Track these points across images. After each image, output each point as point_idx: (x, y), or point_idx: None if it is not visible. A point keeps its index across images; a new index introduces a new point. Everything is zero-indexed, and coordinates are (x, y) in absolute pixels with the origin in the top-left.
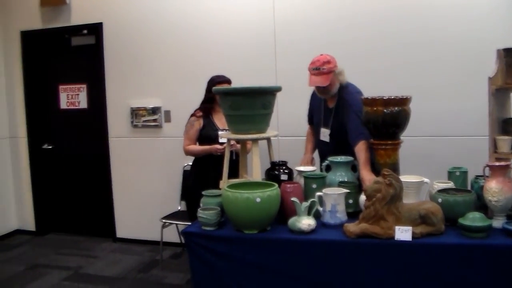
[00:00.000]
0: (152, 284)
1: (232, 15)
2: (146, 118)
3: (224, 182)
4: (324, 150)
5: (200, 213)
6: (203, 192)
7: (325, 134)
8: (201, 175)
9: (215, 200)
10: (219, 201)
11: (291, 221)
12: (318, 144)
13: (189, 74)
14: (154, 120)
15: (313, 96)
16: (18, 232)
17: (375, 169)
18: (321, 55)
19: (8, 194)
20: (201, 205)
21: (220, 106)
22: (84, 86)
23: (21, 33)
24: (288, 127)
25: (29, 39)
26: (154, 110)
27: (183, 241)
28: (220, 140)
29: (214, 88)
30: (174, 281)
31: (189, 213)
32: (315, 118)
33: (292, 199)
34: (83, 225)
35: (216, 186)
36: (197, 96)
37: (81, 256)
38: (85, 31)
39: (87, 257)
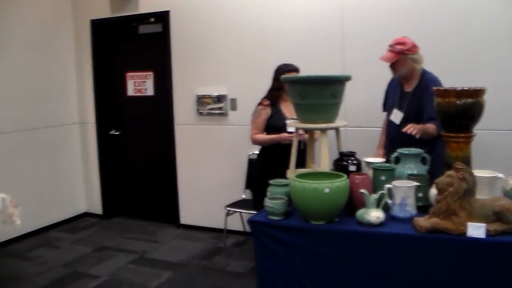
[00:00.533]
0: (215, 271)
1: (300, 1)
2: (212, 106)
3: (292, 172)
4: (392, 133)
5: (267, 202)
6: (270, 182)
7: (397, 116)
8: (268, 164)
9: (282, 190)
10: (286, 190)
11: (360, 213)
12: (387, 127)
13: (255, 62)
14: (220, 108)
15: (391, 81)
16: (86, 215)
17: (445, 163)
18: (403, 37)
19: (77, 178)
20: (268, 194)
21: (289, 94)
22: (151, 73)
23: (91, 22)
24: (356, 118)
25: (98, 27)
26: (220, 98)
27: (246, 230)
28: (288, 130)
29: (283, 76)
30: (237, 269)
31: (255, 202)
32: (388, 102)
33: (361, 190)
34: (147, 210)
35: (283, 176)
36: (263, 85)
37: (145, 240)
38: (152, 19)
39: (151, 242)
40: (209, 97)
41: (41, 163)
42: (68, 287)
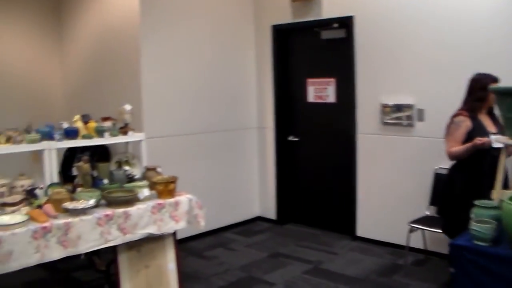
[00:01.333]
0: None
1: (495, 2)
2: (397, 115)
3: (498, 193)
4: None
5: (474, 225)
6: (476, 202)
7: None
8: (467, 182)
9: (489, 212)
10: (494, 213)
11: None
12: None
13: (445, 71)
14: (407, 118)
15: None
16: (259, 219)
17: None
18: None
19: (253, 182)
20: (472, 216)
21: (498, 107)
22: (333, 80)
23: (272, 27)
24: None
25: (279, 32)
26: (406, 108)
27: (428, 248)
28: (494, 146)
29: (493, 86)
30: None
31: (445, 222)
32: None
33: None
34: (322, 219)
35: (482, 195)
36: (454, 95)
37: (320, 250)
38: (336, 25)
39: (327, 252)
40: (395, 106)
41: (220, 165)
42: None
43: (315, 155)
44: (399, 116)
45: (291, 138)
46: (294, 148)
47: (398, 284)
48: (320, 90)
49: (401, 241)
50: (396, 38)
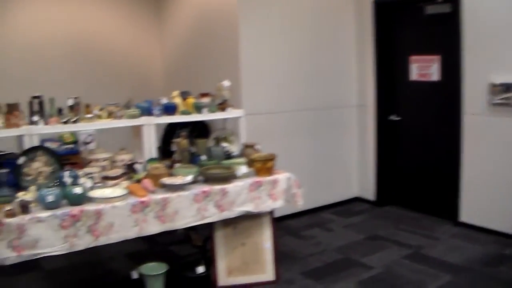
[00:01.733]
0: (502, 282)
1: None
2: (507, 95)
3: None
4: None
5: None
6: None
7: None
8: None
9: None
10: None
11: None
12: None
13: None
14: None
15: None
16: (358, 199)
17: None
18: None
19: (352, 162)
20: None
21: None
22: (437, 57)
23: (374, 2)
24: None
25: (381, 8)
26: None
27: None
28: None
29: None
30: None
31: None
32: None
33: None
34: (422, 202)
35: None
36: None
37: (420, 235)
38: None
39: (427, 237)
40: (503, 85)
41: (319, 144)
42: (341, 273)
43: (417, 136)
44: (508, 96)
45: (392, 117)
46: (395, 128)
47: (505, 276)
48: (424, 68)
49: (509, 229)
50: (508, 12)
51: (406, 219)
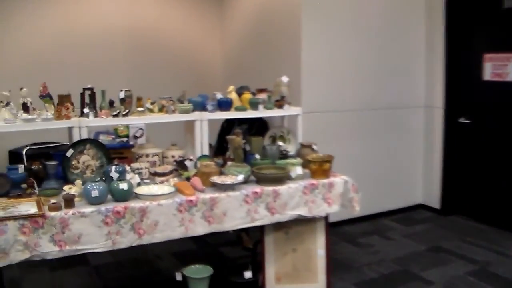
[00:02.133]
0: None
1: None
2: None
3: None
4: None
5: None
6: None
7: None
8: None
9: None
10: None
11: None
12: None
13: None
14: None
15: None
16: (421, 206)
17: None
18: None
19: (416, 166)
20: None
21: None
22: None
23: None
24: None
25: (454, 2)
26: None
27: None
28: None
29: None
30: None
31: None
32: None
33: None
34: (493, 214)
35: None
36: None
37: (488, 250)
38: None
39: (496, 253)
40: None
41: (380, 145)
42: (398, 287)
43: (489, 141)
44: None
45: (462, 119)
46: (465, 131)
47: None
48: (499, 67)
49: None
50: None
51: (473, 231)
